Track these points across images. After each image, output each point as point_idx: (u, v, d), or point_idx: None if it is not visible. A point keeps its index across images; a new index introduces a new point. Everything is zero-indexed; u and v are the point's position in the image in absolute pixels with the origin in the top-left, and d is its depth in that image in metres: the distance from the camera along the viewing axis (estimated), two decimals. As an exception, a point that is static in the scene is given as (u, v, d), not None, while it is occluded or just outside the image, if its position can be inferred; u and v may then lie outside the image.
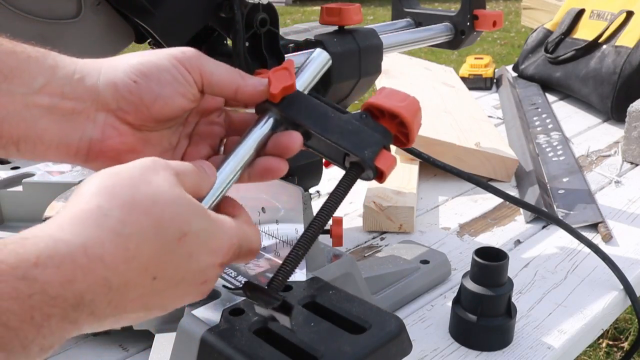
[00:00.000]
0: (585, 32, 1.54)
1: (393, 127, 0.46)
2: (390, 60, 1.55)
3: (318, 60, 0.48)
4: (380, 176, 0.45)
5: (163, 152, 0.45)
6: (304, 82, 0.47)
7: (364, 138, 0.44)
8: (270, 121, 0.45)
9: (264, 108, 0.46)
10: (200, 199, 0.40)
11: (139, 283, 0.34)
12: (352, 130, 0.44)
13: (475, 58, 1.74)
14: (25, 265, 0.29)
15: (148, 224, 0.34)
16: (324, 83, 0.74)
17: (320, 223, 0.44)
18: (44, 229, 0.32)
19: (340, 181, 0.45)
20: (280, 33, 0.70)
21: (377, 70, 0.77)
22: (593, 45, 1.48)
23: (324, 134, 0.44)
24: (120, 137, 0.42)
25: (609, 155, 1.23)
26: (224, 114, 0.49)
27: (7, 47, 0.39)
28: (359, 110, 0.47)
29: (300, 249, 0.43)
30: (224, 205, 0.43)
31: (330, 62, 0.49)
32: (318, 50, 0.49)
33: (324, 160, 0.81)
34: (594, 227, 0.93)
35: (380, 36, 0.78)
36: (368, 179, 0.45)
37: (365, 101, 0.46)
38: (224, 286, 0.58)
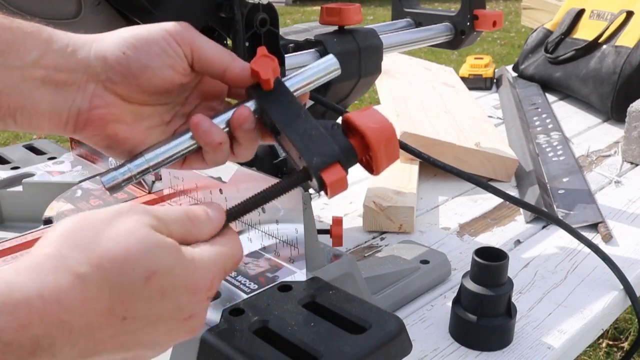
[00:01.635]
0: (585, 32, 1.54)
1: (360, 149, 0.44)
2: (390, 60, 1.55)
3: (323, 65, 0.47)
4: (325, 190, 0.43)
5: (152, 127, 0.46)
6: (298, 81, 0.47)
7: (321, 146, 0.43)
8: (251, 104, 0.45)
9: (249, 93, 0.46)
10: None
11: (106, 324, 0.33)
12: (314, 136, 0.43)
13: (475, 58, 1.74)
14: None
15: (110, 265, 0.33)
16: (324, 84, 0.74)
17: (242, 209, 0.43)
18: (0, 275, 0.31)
19: (285, 179, 0.44)
20: (280, 33, 0.70)
21: (377, 70, 0.78)
22: (593, 45, 1.48)
23: (286, 130, 0.43)
24: (107, 107, 0.43)
25: (609, 155, 1.23)
26: (225, 103, 0.49)
27: (3, 22, 0.41)
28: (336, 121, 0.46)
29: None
30: None
31: (339, 71, 0.48)
32: (330, 55, 0.48)
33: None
34: (594, 227, 0.93)
35: (380, 36, 0.78)
36: (315, 189, 0.44)
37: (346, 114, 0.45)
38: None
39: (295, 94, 0.46)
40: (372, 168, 0.45)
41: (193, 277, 0.36)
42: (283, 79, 0.46)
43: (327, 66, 0.47)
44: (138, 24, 0.63)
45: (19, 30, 0.41)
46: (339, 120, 0.46)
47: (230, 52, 0.45)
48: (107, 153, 0.46)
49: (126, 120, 0.44)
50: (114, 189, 0.44)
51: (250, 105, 0.45)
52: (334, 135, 0.43)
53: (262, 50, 0.45)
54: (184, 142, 0.45)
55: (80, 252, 0.33)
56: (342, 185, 0.43)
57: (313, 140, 0.43)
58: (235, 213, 0.43)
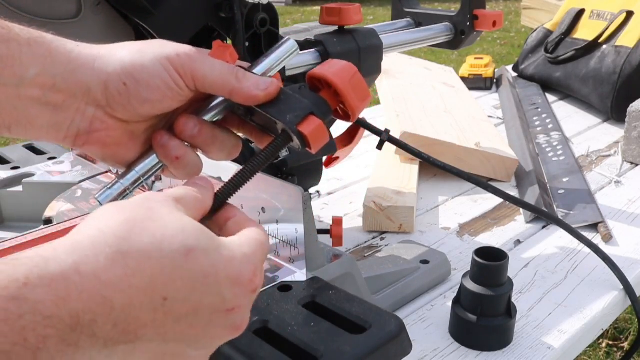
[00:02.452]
0: (585, 32, 1.54)
1: (332, 99, 0.45)
2: (390, 60, 1.55)
3: (282, 48, 0.48)
4: (307, 144, 0.43)
5: (148, 139, 0.45)
6: (259, 70, 0.47)
7: (291, 105, 0.44)
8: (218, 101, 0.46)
9: None
10: (205, 215, 0.41)
11: (147, 303, 0.32)
12: (283, 99, 0.44)
13: (475, 58, 1.74)
14: (14, 285, 0.28)
15: (148, 240, 0.32)
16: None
17: (236, 182, 0.43)
18: (37, 250, 0.31)
19: (267, 146, 0.45)
20: (280, 33, 0.70)
21: (377, 70, 0.78)
22: (593, 45, 1.48)
23: (256, 105, 0.44)
24: (107, 130, 0.43)
25: (609, 155, 1.23)
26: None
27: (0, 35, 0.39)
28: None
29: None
30: (225, 218, 0.42)
31: (297, 51, 0.49)
32: (287, 38, 0.49)
33: (324, 160, 0.81)
34: (594, 227, 0.93)
35: (380, 36, 0.78)
36: (297, 147, 0.44)
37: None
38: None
39: None
40: (347, 113, 0.45)
41: (234, 268, 0.35)
42: (249, 69, 0.46)
43: (286, 48, 0.48)
44: (138, 23, 0.63)
45: (16, 43, 0.40)
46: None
47: (237, 71, 0.44)
48: (105, 163, 0.47)
49: (124, 140, 0.44)
50: None
51: (217, 102, 0.46)
52: (302, 94, 0.45)
53: (216, 43, 0.45)
54: None
55: (117, 227, 0.33)
56: (321, 134, 0.43)
57: (283, 102, 0.44)
58: (227, 192, 0.43)
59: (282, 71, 0.68)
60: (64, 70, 0.41)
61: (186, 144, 0.45)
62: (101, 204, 0.43)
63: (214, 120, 0.46)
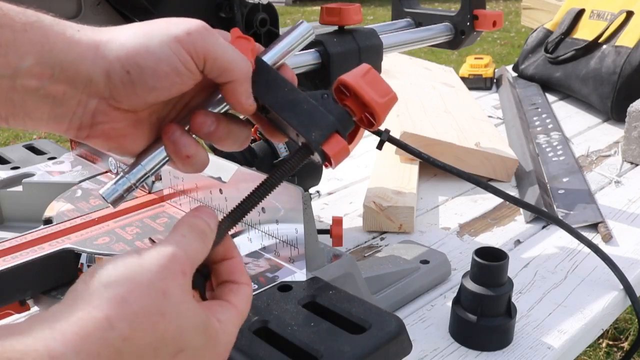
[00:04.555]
0: (585, 32, 1.54)
1: (357, 107, 0.44)
2: (390, 60, 1.55)
3: (296, 32, 0.46)
4: (328, 161, 0.43)
5: (153, 127, 0.43)
6: (275, 53, 0.45)
7: (316, 119, 0.42)
8: None
9: None
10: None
11: None
12: (307, 110, 0.42)
13: (475, 58, 1.74)
14: None
15: (149, 341, 0.33)
16: (325, 83, 0.75)
17: (256, 198, 0.43)
18: (45, 337, 0.30)
19: (288, 158, 0.44)
20: (281, 33, 0.70)
21: (377, 70, 0.77)
22: (593, 45, 1.48)
23: (276, 109, 0.42)
24: (111, 122, 0.41)
25: (609, 155, 1.23)
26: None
27: None
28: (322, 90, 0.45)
29: (228, 223, 0.42)
30: (222, 257, 0.42)
31: (313, 35, 0.47)
32: (301, 21, 0.47)
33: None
34: (594, 227, 0.93)
35: (380, 36, 0.78)
36: (318, 162, 0.43)
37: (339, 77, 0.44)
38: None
39: (275, 66, 0.45)
40: (372, 120, 0.44)
41: (213, 354, 0.37)
42: (260, 55, 0.44)
43: (301, 32, 0.46)
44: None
45: (9, 29, 0.36)
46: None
47: (250, 68, 0.42)
48: (111, 154, 0.45)
49: (129, 131, 0.42)
50: (116, 202, 0.43)
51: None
52: (325, 105, 0.43)
53: (236, 32, 0.43)
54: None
55: (127, 324, 0.32)
56: (344, 154, 0.43)
57: (306, 114, 0.42)
58: (258, 196, 0.43)
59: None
60: (62, 59, 0.38)
61: (196, 138, 0.43)
62: (107, 201, 0.42)
63: (225, 109, 0.44)
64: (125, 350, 0.32)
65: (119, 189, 0.42)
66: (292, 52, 0.46)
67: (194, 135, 0.43)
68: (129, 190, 0.43)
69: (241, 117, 0.45)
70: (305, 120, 0.42)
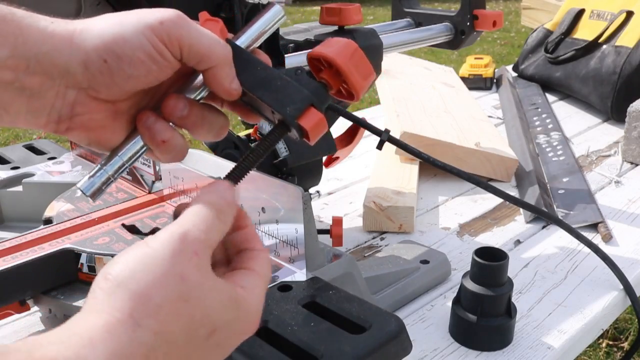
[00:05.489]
0: (585, 32, 1.54)
1: (334, 79, 0.43)
2: (390, 60, 1.55)
3: (267, 15, 0.45)
4: (306, 136, 0.42)
5: (131, 120, 0.43)
6: (248, 37, 0.45)
7: (290, 94, 0.42)
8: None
9: None
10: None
11: None
12: (280, 86, 0.42)
13: (475, 58, 1.74)
14: None
15: (180, 329, 0.33)
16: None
17: (236, 175, 0.42)
18: (74, 344, 0.30)
19: (265, 136, 0.43)
20: (280, 33, 0.70)
21: (377, 71, 0.77)
22: (593, 45, 1.48)
23: (251, 88, 0.42)
24: (90, 113, 0.40)
25: (609, 155, 1.23)
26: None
27: None
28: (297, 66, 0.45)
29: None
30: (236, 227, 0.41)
31: (284, 17, 0.46)
32: (272, 3, 0.46)
33: (324, 160, 0.81)
34: (594, 227, 0.93)
35: (380, 36, 0.78)
36: (295, 138, 0.43)
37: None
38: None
39: (249, 49, 0.45)
40: (351, 93, 0.44)
41: (247, 325, 0.37)
42: (233, 39, 0.44)
43: (272, 15, 0.45)
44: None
45: None
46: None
47: (226, 46, 0.41)
48: (91, 148, 0.44)
49: (108, 122, 0.42)
50: (95, 195, 0.42)
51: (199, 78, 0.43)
52: (300, 80, 0.43)
53: (204, 15, 0.43)
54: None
55: (154, 319, 0.32)
56: (322, 128, 0.42)
57: (280, 90, 0.42)
58: (235, 178, 0.42)
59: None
60: (37, 51, 0.37)
61: (172, 125, 0.42)
62: (85, 194, 0.42)
63: (200, 97, 0.43)
64: (158, 345, 0.32)
65: (96, 181, 0.42)
66: (264, 36, 0.45)
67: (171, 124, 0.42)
68: (107, 182, 0.42)
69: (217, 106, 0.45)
70: (279, 96, 0.42)
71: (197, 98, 0.43)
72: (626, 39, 1.41)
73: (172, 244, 0.35)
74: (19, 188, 0.85)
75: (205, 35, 0.40)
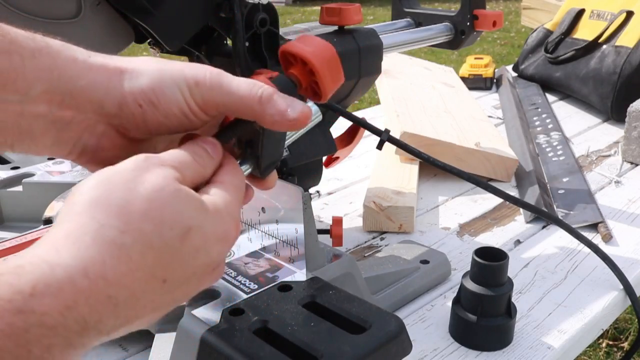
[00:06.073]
0: (585, 32, 1.54)
1: (305, 76, 0.43)
2: (390, 60, 1.55)
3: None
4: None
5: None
6: None
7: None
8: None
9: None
10: (204, 183, 0.39)
11: (148, 290, 0.33)
12: None
13: (475, 58, 1.74)
14: (20, 297, 0.28)
15: (149, 228, 0.32)
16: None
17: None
18: (39, 253, 0.30)
19: (231, 122, 0.43)
20: (280, 33, 0.70)
21: (377, 70, 0.77)
22: (593, 45, 1.48)
23: None
24: (114, 149, 0.41)
25: (609, 155, 1.23)
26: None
27: (1, 46, 0.35)
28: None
29: None
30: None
31: (320, 117, 0.46)
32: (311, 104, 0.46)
33: (324, 160, 0.81)
34: (594, 227, 0.93)
35: (380, 36, 0.78)
36: (258, 128, 0.42)
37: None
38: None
39: None
40: (318, 93, 0.44)
41: (222, 228, 0.36)
42: None
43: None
44: (138, 23, 0.63)
45: (18, 56, 0.36)
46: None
47: (261, 94, 0.39)
48: None
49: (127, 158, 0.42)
50: None
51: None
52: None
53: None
54: None
55: (117, 219, 0.32)
56: None
57: None
58: (226, 136, 0.42)
59: (282, 71, 0.68)
60: (73, 86, 0.37)
61: None
62: None
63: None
64: (129, 243, 0.31)
65: None
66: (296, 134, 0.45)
67: None
68: None
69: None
70: None
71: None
72: (626, 39, 1.41)
73: (137, 160, 0.35)
74: (19, 188, 0.85)
75: (241, 90, 0.39)
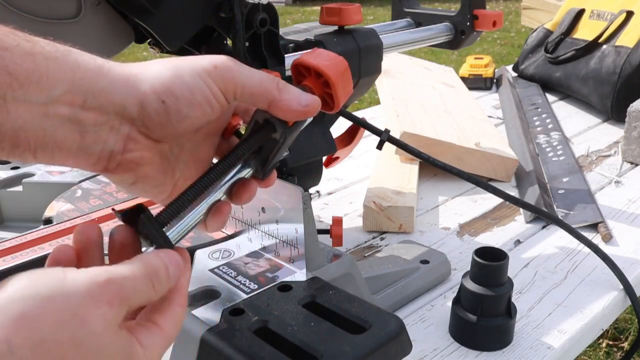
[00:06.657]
0: (585, 32, 1.54)
1: (318, 87, 0.45)
2: (390, 60, 1.55)
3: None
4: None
5: (174, 164, 0.44)
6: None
7: None
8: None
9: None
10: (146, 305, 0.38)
11: None
12: None
13: (475, 58, 1.74)
14: None
15: None
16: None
17: (219, 171, 0.43)
18: None
19: (250, 134, 0.44)
20: (280, 33, 0.70)
21: (377, 70, 0.78)
22: (593, 45, 1.48)
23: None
24: (141, 150, 0.41)
25: (609, 155, 1.23)
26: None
27: (24, 48, 0.36)
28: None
29: (192, 192, 0.41)
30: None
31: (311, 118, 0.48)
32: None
33: (324, 160, 0.81)
34: (594, 227, 0.93)
35: (380, 36, 0.78)
36: (279, 138, 0.44)
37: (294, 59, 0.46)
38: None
39: None
40: (330, 104, 0.46)
41: None
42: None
43: None
44: (138, 23, 0.63)
45: (42, 56, 0.36)
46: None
47: (277, 82, 0.42)
48: (129, 190, 0.44)
49: (155, 161, 0.42)
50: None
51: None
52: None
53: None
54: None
55: (31, 351, 0.29)
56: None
57: None
58: (250, 146, 0.43)
59: (282, 71, 0.68)
60: (94, 87, 0.38)
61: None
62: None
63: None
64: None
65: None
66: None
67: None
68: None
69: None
70: None
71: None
72: (626, 39, 1.41)
73: (90, 285, 0.33)
74: (19, 188, 0.85)
75: (256, 76, 0.41)
